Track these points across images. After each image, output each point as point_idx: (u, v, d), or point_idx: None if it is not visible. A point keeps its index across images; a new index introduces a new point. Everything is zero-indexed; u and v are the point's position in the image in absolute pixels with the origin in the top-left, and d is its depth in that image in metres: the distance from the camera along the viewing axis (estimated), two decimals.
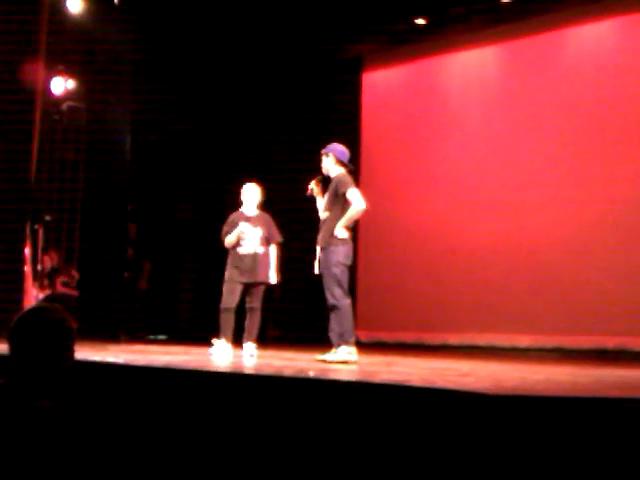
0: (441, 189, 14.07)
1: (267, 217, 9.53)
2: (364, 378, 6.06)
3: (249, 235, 9.33)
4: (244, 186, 9.59)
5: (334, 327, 7.92)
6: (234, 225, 9.37)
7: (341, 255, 7.93)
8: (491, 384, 5.57)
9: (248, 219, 9.39)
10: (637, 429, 3.84)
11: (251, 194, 9.52)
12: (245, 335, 9.24)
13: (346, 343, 7.85)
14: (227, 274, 9.39)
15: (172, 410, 5.48)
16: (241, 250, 9.33)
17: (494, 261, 13.18)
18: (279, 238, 9.48)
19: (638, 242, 11.77)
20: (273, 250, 9.42)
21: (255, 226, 9.36)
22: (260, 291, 9.36)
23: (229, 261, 9.42)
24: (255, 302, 9.30)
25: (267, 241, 9.40)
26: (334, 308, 7.89)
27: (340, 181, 8.06)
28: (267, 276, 9.35)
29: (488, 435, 3.95)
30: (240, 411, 5.14)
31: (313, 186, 8.42)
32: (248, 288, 9.33)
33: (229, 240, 9.35)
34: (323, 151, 8.30)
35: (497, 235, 13.23)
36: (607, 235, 12.07)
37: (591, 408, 4.03)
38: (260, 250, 9.33)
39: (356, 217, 8.03)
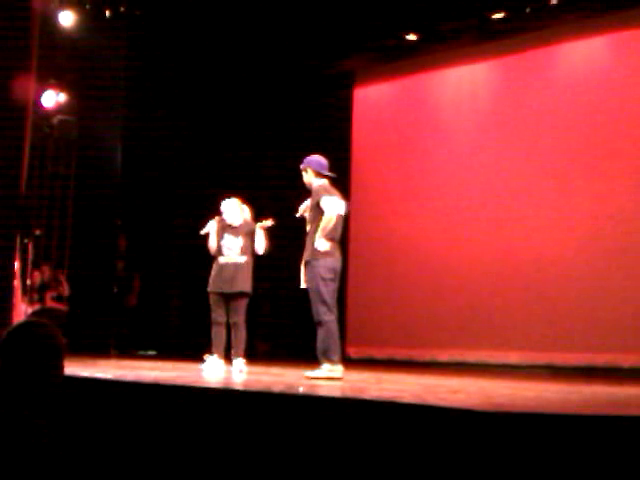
0: (432, 205, 14.08)
1: (251, 227, 9.47)
2: (354, 394, 6.04)
3: (230, 244, 9.31)
4: (222, 202, 9.59)
5: (319, 343, 7.81)
6: (218, 236, 9.38)
7: (322, 269, 7.75)
8: (482, 401, 5.56)
9: (230, 230, 9.37)
10: (627, 447, 3.84)
11: (229, 209, 9.51)
12: (232, 351, 9.20)
13: (329, 361, 7.69)
14: (209, 287, 9.38)
15: (161, 426, 5.45)
16: (222, 259, 9.33)
17: (484, 277, 13.19)
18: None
19: (627, 259, 11.80)
20: (260, 234, 9.33)
21: (236, 236, 9.34)
22: (241, 305, 9.25)
23: (211, 272, 9.41)
24: (237, 317, 9.20)
25: (251, 251, 9.35)
26: (318, 324, 7.80)
27: (316, 192, 7.95)
28: (246, 286, 9.27)
29: (479, 452, 3.94)
30: (229, 428, 5.12)
31: (307, 205, 8.28)
32: (229, 301, 9.26)
33: (209, 245, 9.38)
34: (301, 166, 8.17)
35: (488, 251, 13.23)
36: (597, 252, 12.09)
37: (582, 426, 4.02)
38: (241, 260, 9.28)
39: (330, 225, 7.76)
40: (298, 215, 8.32)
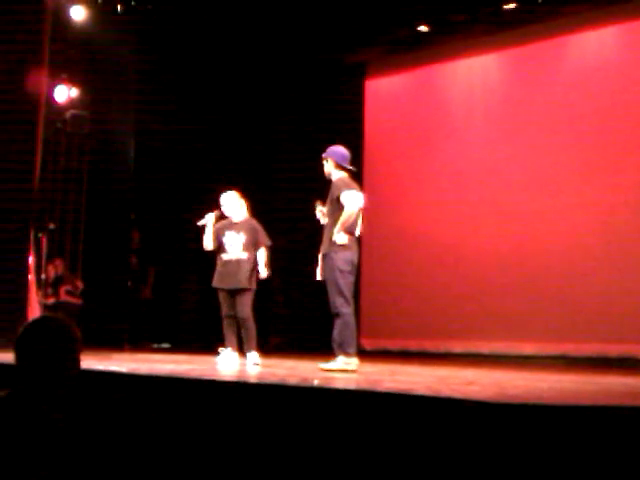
0: (444, 196, 14.06)
1: (253, 223, 9.44)
2: (369, 387, 6.05)
3: (232, 241, 9.30)
4: (221, 195, 9.56)
5: (335, 335, 7.81)
6: (218, 232, 9.35)
7: (340, 261, 7.77)
8: (496, 392, 5.56)
9: (232, 226, 9.36)
10: None
11: (229, 202, 9.49)
12: (245, 346, 9.20)
13: (345, 354, 7.70)
14: (213, 283, 9.37)
15: (176, 419, 5.47)
16: (225, 256, 9.31)
17: (498, 268, 13.17)
18: (267, 242, 9.36)
19: None
20: (262, 252, 9.35)
21: (238, 232, 9.32)
22: (246, 299, 9.18)
23: (215, 269, 9.41)
24: (242, 312, 9.14)
25: (253, 247, 9.33)
26: (336, 316, 7.80)
27: (335, 185, 7.92)
28: (248, 282, 9.27)
29: (493, 444, 3.94)
30: (244, 420, 5.13)
31: (321, 207, 8.19)
32: (233, 296, 9.25)
33: (204, 240, 9.36)
34: (323, 155, 8.15)
35: (501, 242, 13.22)
36: (610, 242, 12.06)
37: (596, 416, 4.02)
38: (243, 256, 9.25)
39: (350, 220, 7.78)
40: (321, 218, 8.25)
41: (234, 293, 9.22)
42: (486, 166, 13.62)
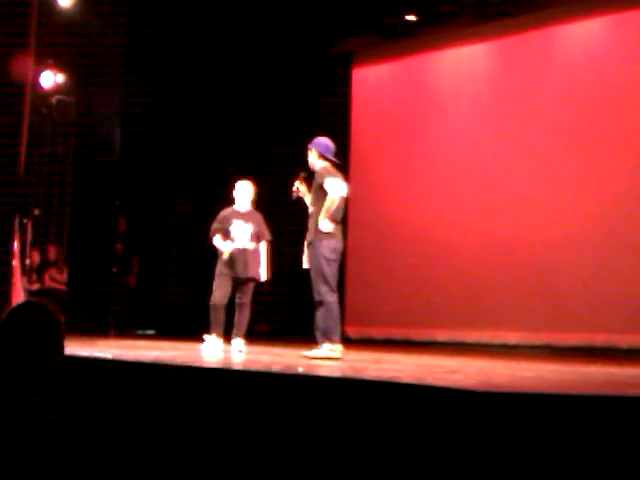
0: (431, 185, 14.08)
1: (258, 215, 9.52)
2: (353, 374, 6.05)
3: (240, 230, 9.31)
4: (237, 183, 9.55)
5: (319, 323, 7.84)
6: (224, 222, 9.35)
7: (326, 249, 7.81)
8: (480, 381, 5.57)
9: (239, 215, 9.36)
10: (625, 427, 3.85)
11: (244, 191, 9.50)
12: (234, 331, 9.22)
13: (330, 341, 7.73)
14: (217, 269, 9.39)
15: (160, 405, 5.47)
16: (232, 245, 9.31)
17: (483, 258, 13.20)
18: (269, 236, 9.50)
19: (625, 240, 11.81)
20: (263, 247, 9.43)
21: (246, 222, 9.35)
22: (250, 287, 9.33)
23: (219, 256, 9.41)
24: (245, 298, 9.28)
25: (257, 238, 9.39)
26: (320, 304, 7.84)
27: (319, 174, 7.99)
28: (257, 272, 9.34)
29: (477, 432, 3.96)
30: (228, 407, 5.14)
31: (298, 185, 8.31)
32: (238, 284, 9.31)
33: (215, 242, 9.35)
34: (308, 145, 8.23)
35: (486, 232, 13.24)
36: (595, 233, 12.10)
37: (579, 406, 4.03)
38: (250, 246, 9.31)
39: (333, 207, 7.81)
40: (294, 196, 8.36)
41: (240, 281, 9.28)
42: (473, 156, 13.63)
